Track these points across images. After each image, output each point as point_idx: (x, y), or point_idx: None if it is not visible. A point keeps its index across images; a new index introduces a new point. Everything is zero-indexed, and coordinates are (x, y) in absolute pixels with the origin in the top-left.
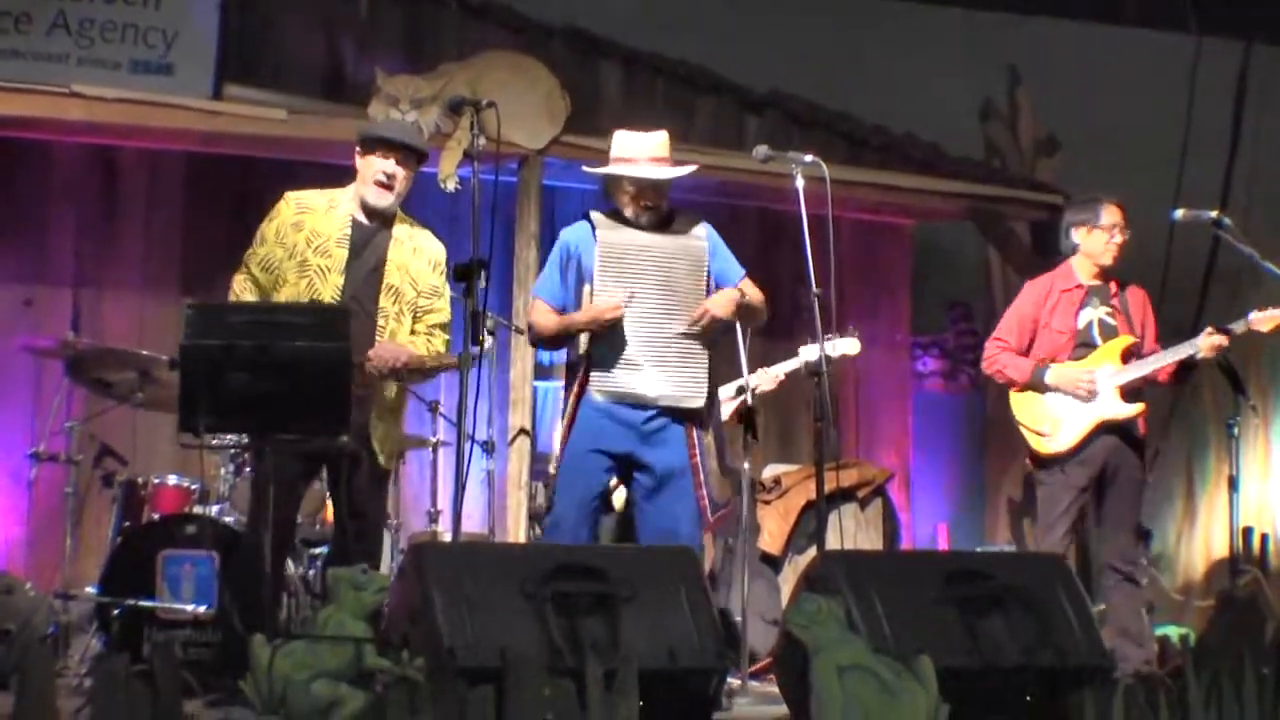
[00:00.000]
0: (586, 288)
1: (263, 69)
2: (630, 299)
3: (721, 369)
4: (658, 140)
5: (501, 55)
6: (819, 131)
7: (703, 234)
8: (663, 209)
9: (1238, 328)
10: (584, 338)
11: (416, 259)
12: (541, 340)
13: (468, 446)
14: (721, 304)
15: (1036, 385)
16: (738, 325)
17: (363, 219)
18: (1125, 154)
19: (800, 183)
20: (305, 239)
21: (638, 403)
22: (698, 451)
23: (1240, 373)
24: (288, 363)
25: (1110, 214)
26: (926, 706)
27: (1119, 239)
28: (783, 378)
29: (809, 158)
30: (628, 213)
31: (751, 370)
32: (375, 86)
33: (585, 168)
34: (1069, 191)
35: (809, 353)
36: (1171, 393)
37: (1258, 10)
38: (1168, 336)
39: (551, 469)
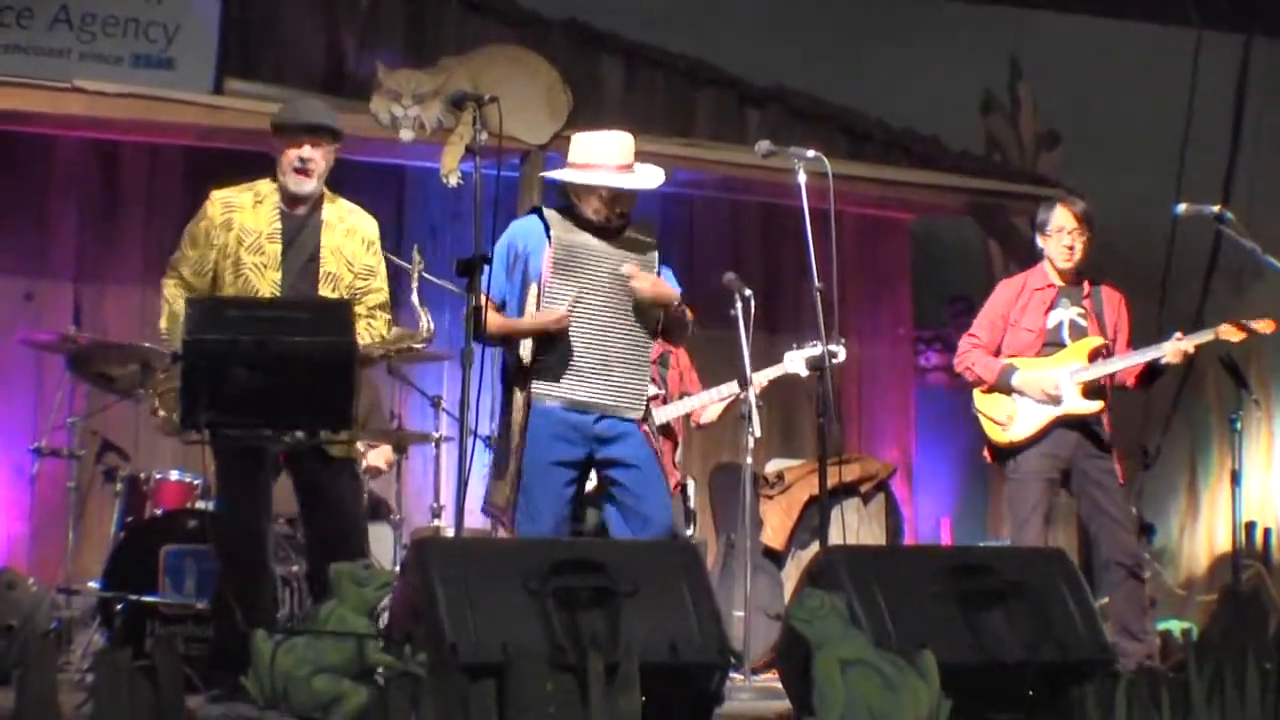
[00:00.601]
0: (533, 287)
1: (264, 64)
2: (574, 306)
3: (720, 370)
4: (627, 144)
5: (503, 50)
6: (820, 126)
7: (652, 242)
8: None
9: (1203, 337)
10: (527, 344)
11: (350, 240)
12: (486, 339)
13: (470, 441)
14: (654, 289)
15: (1003, 387)
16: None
17: (289, 209)
18: (1127, 148)
19: (802, 177)
20: (236, 237)
21: (583, 409)
22: (653, 444)
23: (1242, 367)
24: (289, 358)
25: (1060, 216)
26: (929, 701)
27: (1067, 241)
28: (766, 384)
29: (811, 153)
30: (590, 214)
31: (753, 369)
32: (376, 81)
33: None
34: (1070, 185)
35: (792, 360)
36: (1174, 387)
37: (1259, 4)
38: (1169, 332)
39: (507, 488)
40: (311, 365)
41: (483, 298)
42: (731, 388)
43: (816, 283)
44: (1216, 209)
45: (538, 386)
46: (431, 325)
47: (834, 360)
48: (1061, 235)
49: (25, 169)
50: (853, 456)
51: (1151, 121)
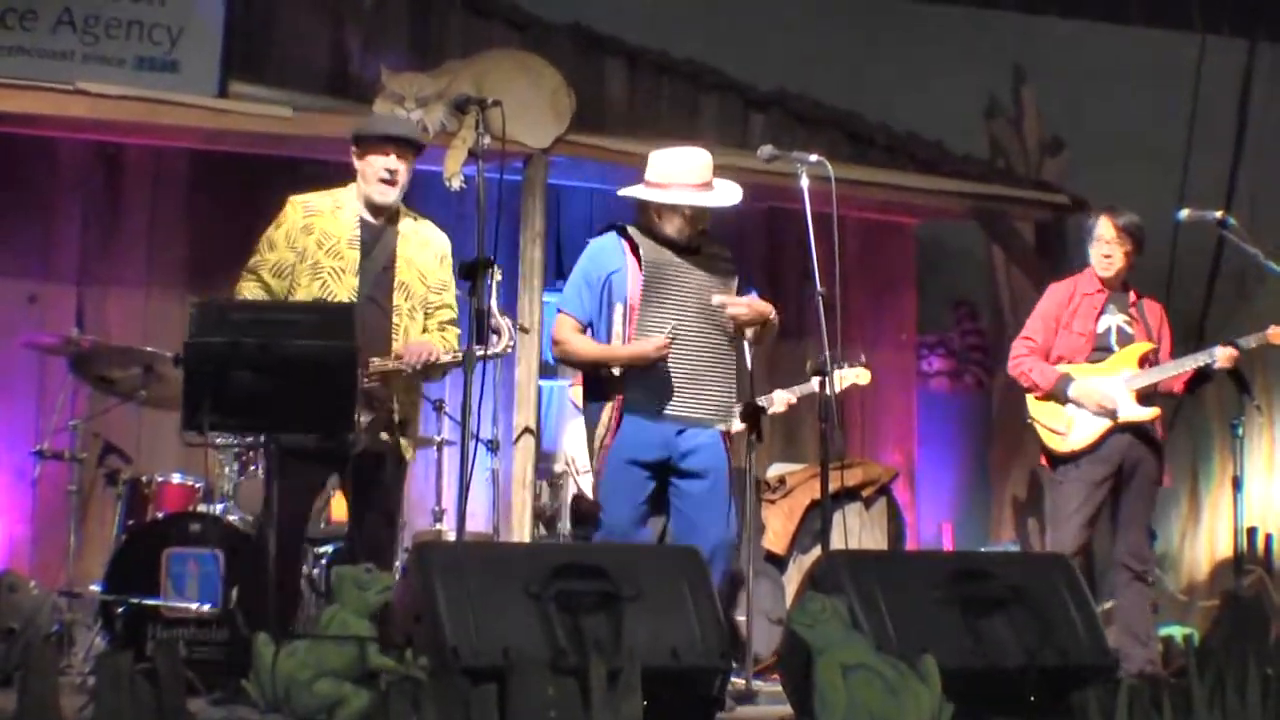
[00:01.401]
0: (619, 307)
1: (268, 67)
2: (673, 338)
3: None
4: (705, 161)
5: (507, 53)
6: (824, 130)
7: (730, 257)
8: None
9: (1254, 341)
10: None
11: (424, 253)
12: (574, 363)
13: (472, 445)
14: (754, 309)
15: (1059, 396)
16: (745, 342)
17: (369, 217)
18: (1130, 153)
19: (805, 182)
20: (316, 242)
21: (670, 420)
22: (728, 447)
23: (1245, 373)
24: (292, 361)
25: (1101, 226)
26: (930, 706)
27: (1104, 250)
28: (794, 401)
29: (814, 157)
30: (672, 233)
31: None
32: (380, 84)
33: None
34: (1074, 191)
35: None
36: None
37: (1261, 9)
38: (1174, 336)
39: (591, 482)
40: (314, 369)
41: (557, 318)
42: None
43: (819, 287)
44: (1219, 214)
45: (628, 403)
46: (514, 336)
47: (860, 384)
48: (1100, 244)
49: (28, 171)
50: (855, 461)
51: (1155, 126)
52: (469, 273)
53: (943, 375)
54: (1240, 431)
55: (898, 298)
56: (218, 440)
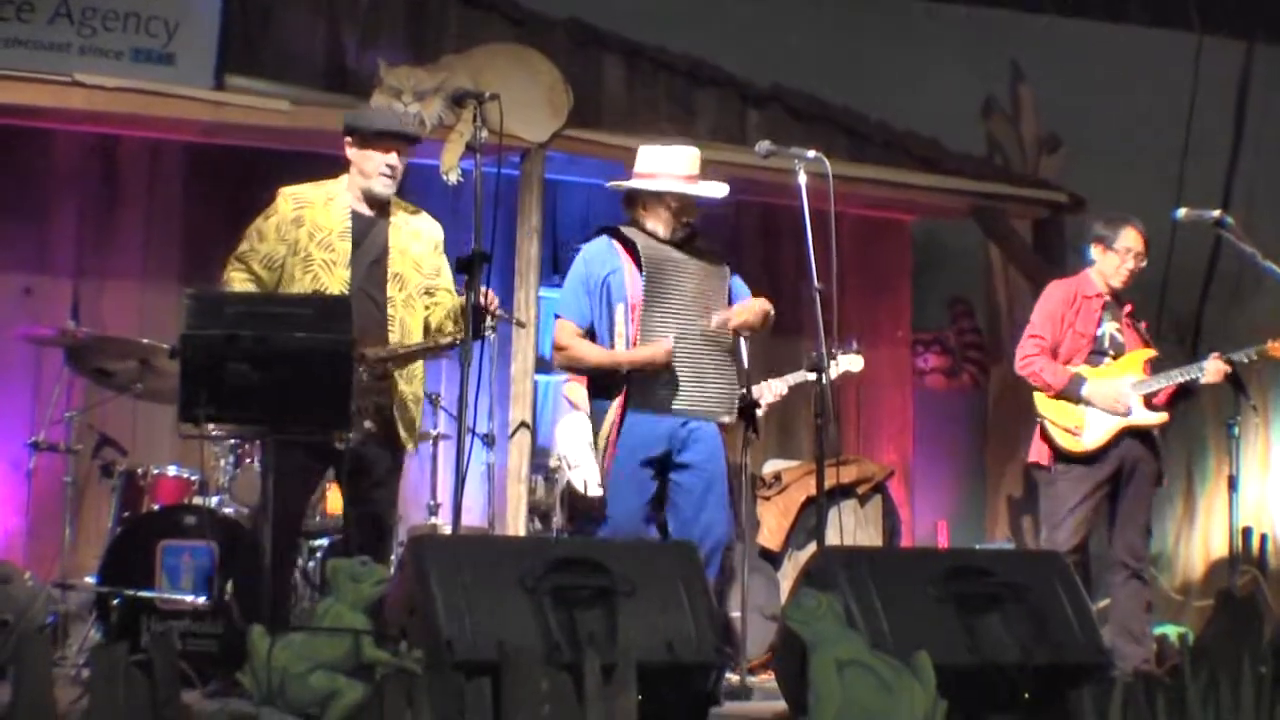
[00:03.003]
0: (619, 307)
1: (265, 60)
2: (677, 343)
3: None
4: (693, 156)
5: (504, 48)
6: (821, 127)
7: (722, 252)
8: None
9: (1244, 356)
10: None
11: (418, 243)
12: (579, 369)
13: (468, 440)
14: (757, 314)
15: (1071, 396)
16: (742, 337)
17: (363, 209)
18: (1127, 152)
19: (802, 178)
20: (307, 234)
21: (675, 414)
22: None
23: (1241, 373)
24: (288, 354)
25: (1128, 238)
26: (924, 704)
27: (1132, 265)
28: (785, 392)
29: (811, 153)
30: (658, 229)
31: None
32: (377, 78)
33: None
34: (1071, 189)
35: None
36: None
37: (1260, 9)
38: (1168, 335)
39: (597, 481)
40: (311, 362)
41: (556, 324)
42: (795, 378)
43: (816, 283)
44: (1216, 214)
45: (634, 396)
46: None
47: (852, 370)
48: (1128, 257)
49: (24, 163)
50: (850, 458)
51: (1152, 126)
52: (465, 267)
53: (938, 373)
54: (1236, 431)
55: (894, 295)
56: (212, 432)
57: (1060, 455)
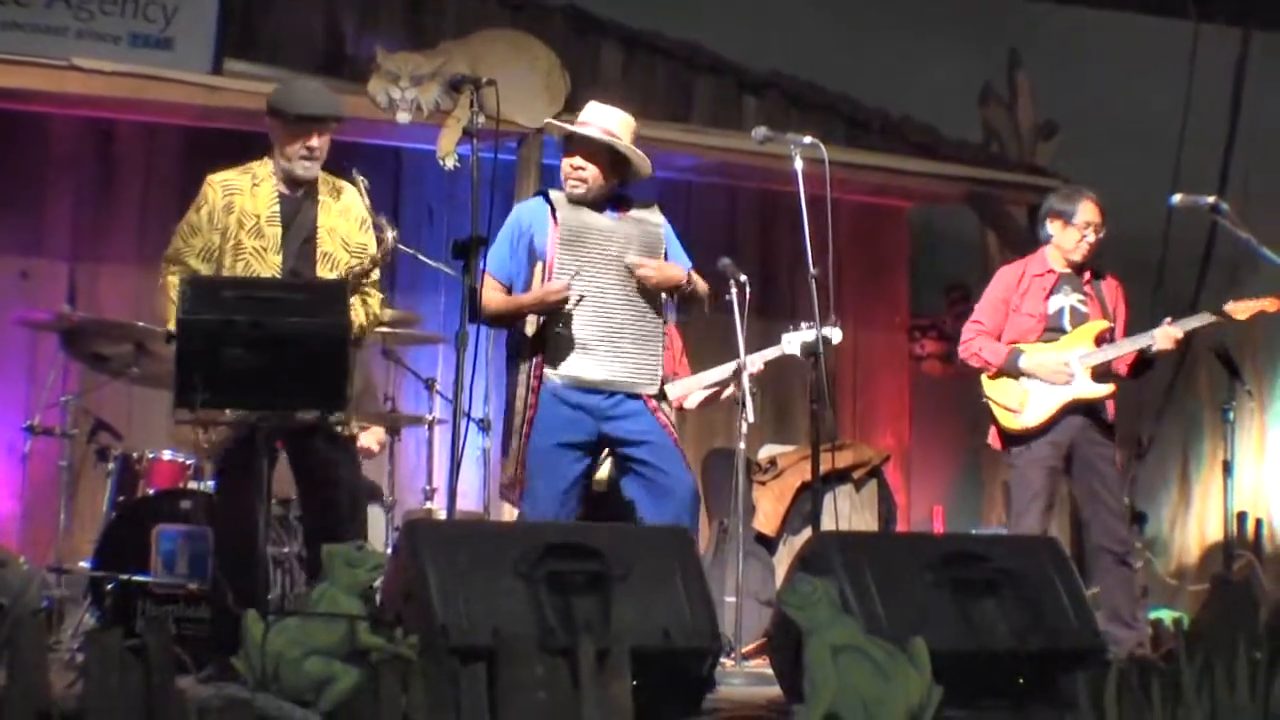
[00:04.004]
0: (538, 266)
1: (262, 45)
2: (576, 276)
3: (714, 354)
4: (627, 121)
5: (502, 33)
6: (818, 113)
7: (659, 220)
8: (597, 189)
9: (1195, 322)
10: (533, 320)
11: (344, 220)
12: (487, 319)
13: (464, 424)
14: (660, 274)
15: (1011, 371)
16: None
17: (286, 190)
18: (1124, 139)
19: (799, 164)
20: (237, 221)
21: (594, 387)
22: (665, 419)
23: (1236, 358)
24: (285, 338)
25: (1086, 211)
26: (919, 688)
27: (1091, 238)
28: (761, 367)
29: (808, 139)
30: (575, 187)
31: (748, 352)
32: (375, 63)
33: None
34: (1068, 176)
35: (790, 342)
36: (1167, 377)
37: None
38: (1165, 322)
39: (511, 467)
40: (307, 346)
41: (482, 279)
42: (723, 371)
43: (812, 269)
44: (1212, 200)
45: (547, 364)
46: (393, 235)
47: (830, 342)
48: (1088, 230)
49: (21, 147)
50: (846, 443)
51: (1149, 113)
52: (461, 251)
53: (935, 358)
54: (1231, 416)
55: (891, 280)
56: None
57: (1008, 436)
